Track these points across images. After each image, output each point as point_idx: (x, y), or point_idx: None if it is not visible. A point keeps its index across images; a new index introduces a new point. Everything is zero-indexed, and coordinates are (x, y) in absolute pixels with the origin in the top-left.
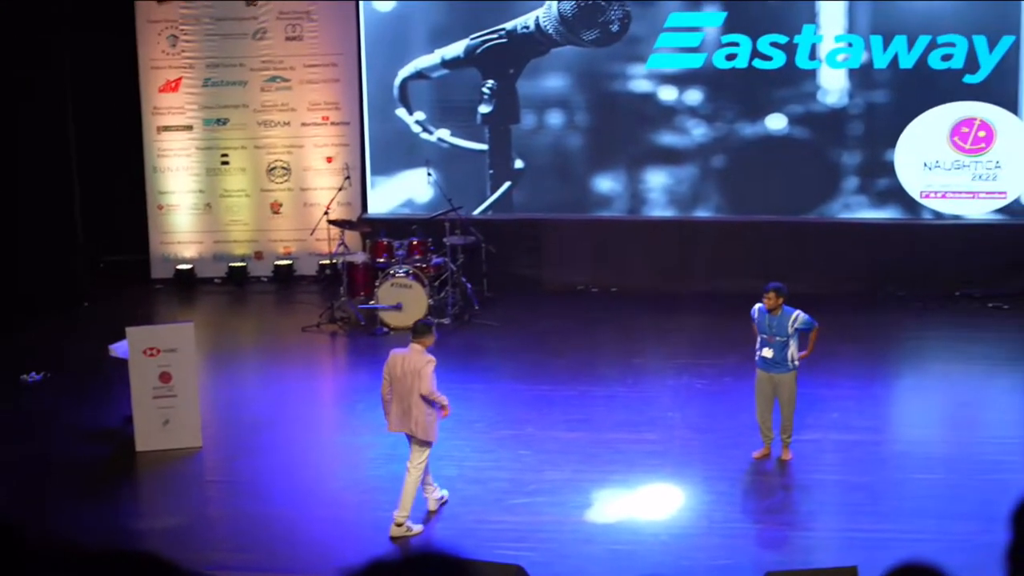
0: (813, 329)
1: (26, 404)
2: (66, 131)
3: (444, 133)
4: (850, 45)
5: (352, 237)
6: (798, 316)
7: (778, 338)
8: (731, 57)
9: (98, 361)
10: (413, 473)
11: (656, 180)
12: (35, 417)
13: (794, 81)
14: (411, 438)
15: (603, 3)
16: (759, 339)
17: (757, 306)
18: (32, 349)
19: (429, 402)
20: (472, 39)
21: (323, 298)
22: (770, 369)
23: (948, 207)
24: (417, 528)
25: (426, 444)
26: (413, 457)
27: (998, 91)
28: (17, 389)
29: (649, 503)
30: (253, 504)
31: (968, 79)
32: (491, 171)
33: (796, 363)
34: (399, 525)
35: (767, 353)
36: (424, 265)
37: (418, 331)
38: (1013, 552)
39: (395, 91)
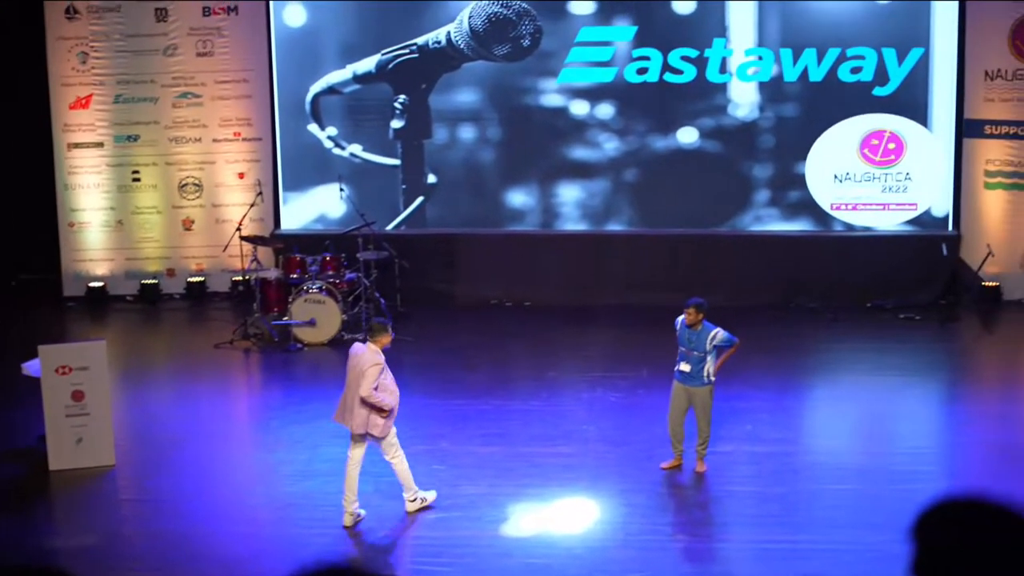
0: (732, 345)
1: None
2: None
3: (356, 148)
4: (760, 58)
5: (265, 253)
6: (718, 333)
7: (696, 353)
8: (642, 71)
9: (10, 379)
10: (398, 459)
11: (569, 194)
12: None
13: (705, 95)
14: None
15: (514, 18)
16: (679, 351)
17: (680, 318)
18: None
19: (369, 403)
20: (383, 54)
21: (236, 315)
22: (686, 382)
23: (859, 219)
24: (430, 495)
25: (377, 438)
26: (385, 451)
27: (907, 103)
28: None
29: (565, 516)
30: (168, 522)
31: (878, 91)
32: (404, 186)
33: (712, 378)
34: (412, 501)
35: (684, 367)
36: (337, 280)
37: (372, 331)
38: (917, 566)
39: (307, 106)
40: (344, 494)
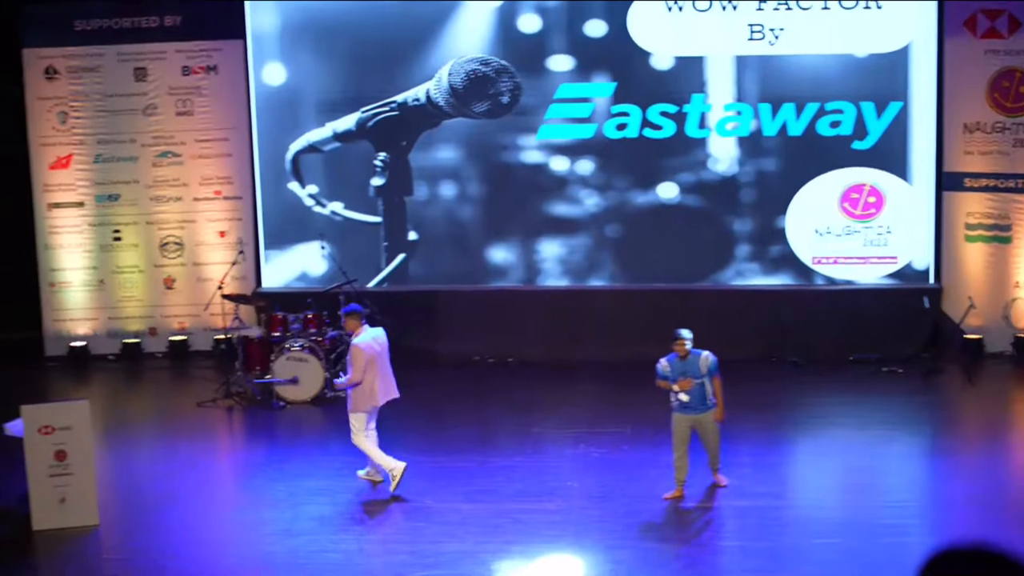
0: (716, 378)
1: None
2: None
3: (337, 206)
4: (739, 113)
5: (247, 311)
6: (707, 356)
7: (695, 381)
8: (621, 127)
9: None
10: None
11: (550, 250)
12: None
13: (684, 150)
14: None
15: (493, 75)
16: (675, 388)
17: (664, 359)
18: None
19: None
20: (363, 112)
21: (218, 373)
22: (689, 411)
23: (840, 272)
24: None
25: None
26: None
27: (887, 157)
28: None
29: (549, 573)
30: None
31: (857, 145)
32: (385, 243)
33: (714, 400)
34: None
35: (684, 398)
36: (319, 338)
37: (357, 315)
38: None
39: (287, 165)
40: (389, 467)
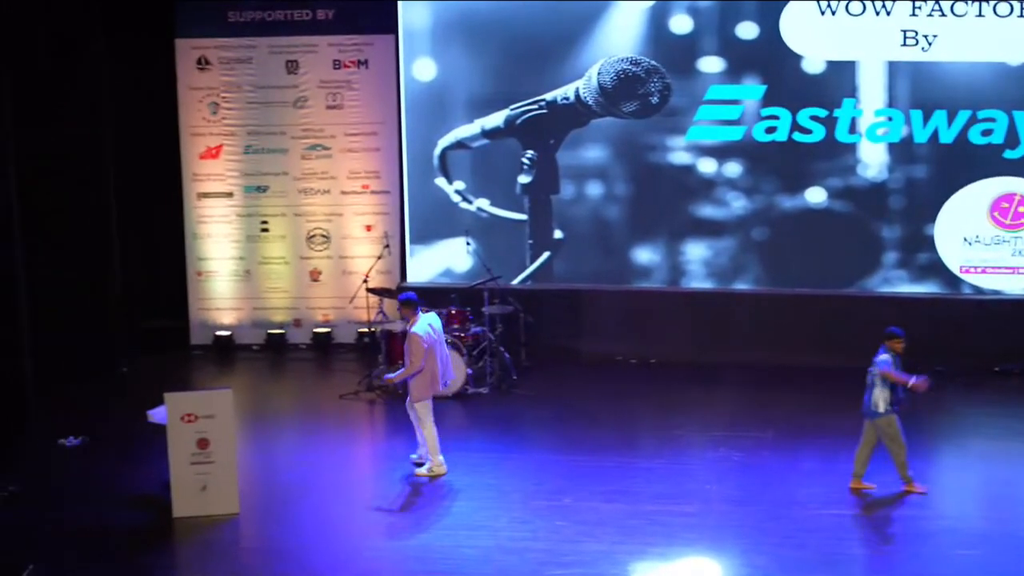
0: None
1: (65, 468)
2: (108, 196)
3: (483, 203)
4: (890, 119)
5: (391, 305)
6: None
7: None
8: (771, 130)
9: (136, 426)
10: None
11: (696, 252)
12: (73, 482)
13: (834, 154)
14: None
15: (643, 75)
16: (898, 386)
17: (884, 357)
18: (71, 413)
19: None
20: (512, 109)
21: (361, 366)
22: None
23: (988, 282)
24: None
25: None
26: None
27: None
28: (56, 453)
29: None
30: (289, 571)
31: (1008, 154)
32: (530, 241)
33: None
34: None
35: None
36: (462, 334)
37: (413, 303)
38: None
39: (435, 160)
40: (437, 461)
